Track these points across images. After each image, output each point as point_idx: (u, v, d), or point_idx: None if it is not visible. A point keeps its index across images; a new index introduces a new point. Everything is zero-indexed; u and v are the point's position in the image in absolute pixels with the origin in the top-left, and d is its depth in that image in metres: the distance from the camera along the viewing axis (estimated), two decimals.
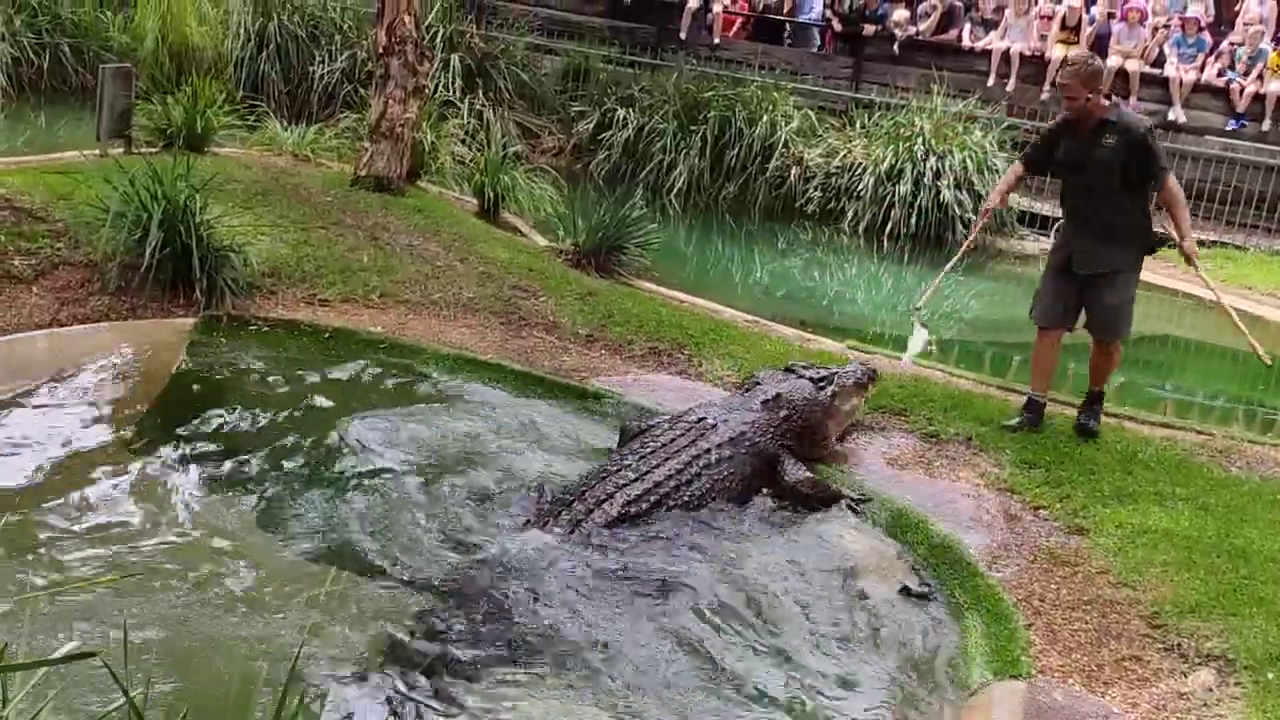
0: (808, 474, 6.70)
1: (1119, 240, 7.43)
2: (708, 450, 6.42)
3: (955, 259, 8.93)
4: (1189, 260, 7.58)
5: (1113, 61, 16.83)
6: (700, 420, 6.66)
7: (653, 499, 6.06)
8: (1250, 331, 7.87)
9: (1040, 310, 7.77)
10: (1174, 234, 7.65)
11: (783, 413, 6.88)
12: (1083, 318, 7.71)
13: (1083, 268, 7.50)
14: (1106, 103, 7.38)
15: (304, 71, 15.55)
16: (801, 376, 7.24)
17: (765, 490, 6.63)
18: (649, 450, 6.38)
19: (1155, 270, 14.33)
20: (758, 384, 7.18)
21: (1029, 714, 4.95)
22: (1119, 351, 7.75)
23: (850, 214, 15.09)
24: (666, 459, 6.30)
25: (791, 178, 15.54)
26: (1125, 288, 7.53)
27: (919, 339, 9.19)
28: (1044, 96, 16.94)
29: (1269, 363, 7.96)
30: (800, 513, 6.51)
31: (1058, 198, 8.24)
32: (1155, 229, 7.59)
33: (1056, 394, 8.23)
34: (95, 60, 13.56)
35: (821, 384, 7.22)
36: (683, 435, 6.52)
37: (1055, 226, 7.95)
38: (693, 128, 15.76)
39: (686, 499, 6.17)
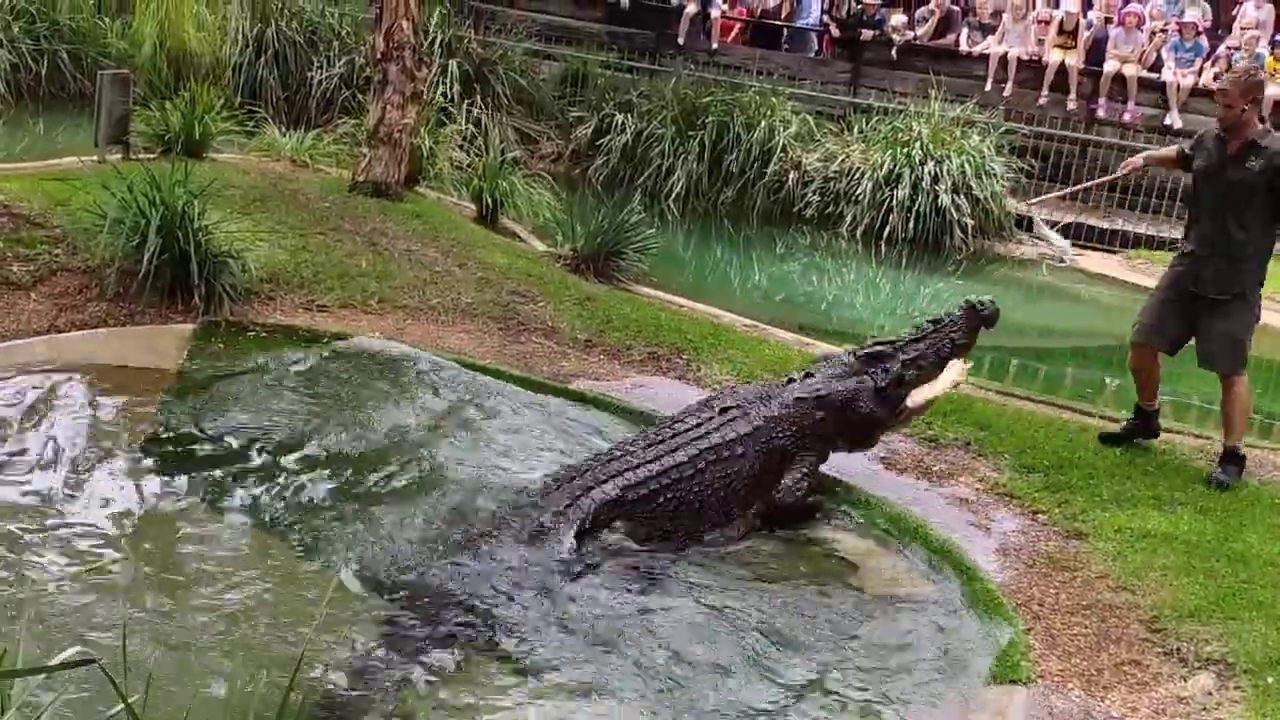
0: (803, 498, 6.41)
1: (1245, 262, 7.25)
2: (722, 441, 6.23)
3: (1083, 187, 8.91)
4: None
5: (1110, 66, 16.86)
6: (725, 408, 6.44)
7: (650, 488, 5.93)
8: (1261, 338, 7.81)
9: (1138, 326, 7.60)
10: None
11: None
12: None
13: (1207, 289, 7.31)
14: (1260, 124, 7.23)
15: (302, 77, 15.54)
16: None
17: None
18: (655, 439, 6.27)
19: (1153, 274, 14.38)
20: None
21: (1028, 719, 4.95)
22: (1244, 388, 7.36)
23: (848, 218, 15.10)
24: (673, 450, 6.14)
25: (790, 182, 15.55)
26: (1246, 314, 7.32)
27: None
28: (1041, 101, 16.96)
29: None
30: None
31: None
32: None
33: (1075, 403, 8.24)
34: (93, 66, 13.54)
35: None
36: (700, 423, 6.34)
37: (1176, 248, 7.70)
38: (691, 133, 15.77)
39: (685, 490, 6.02)
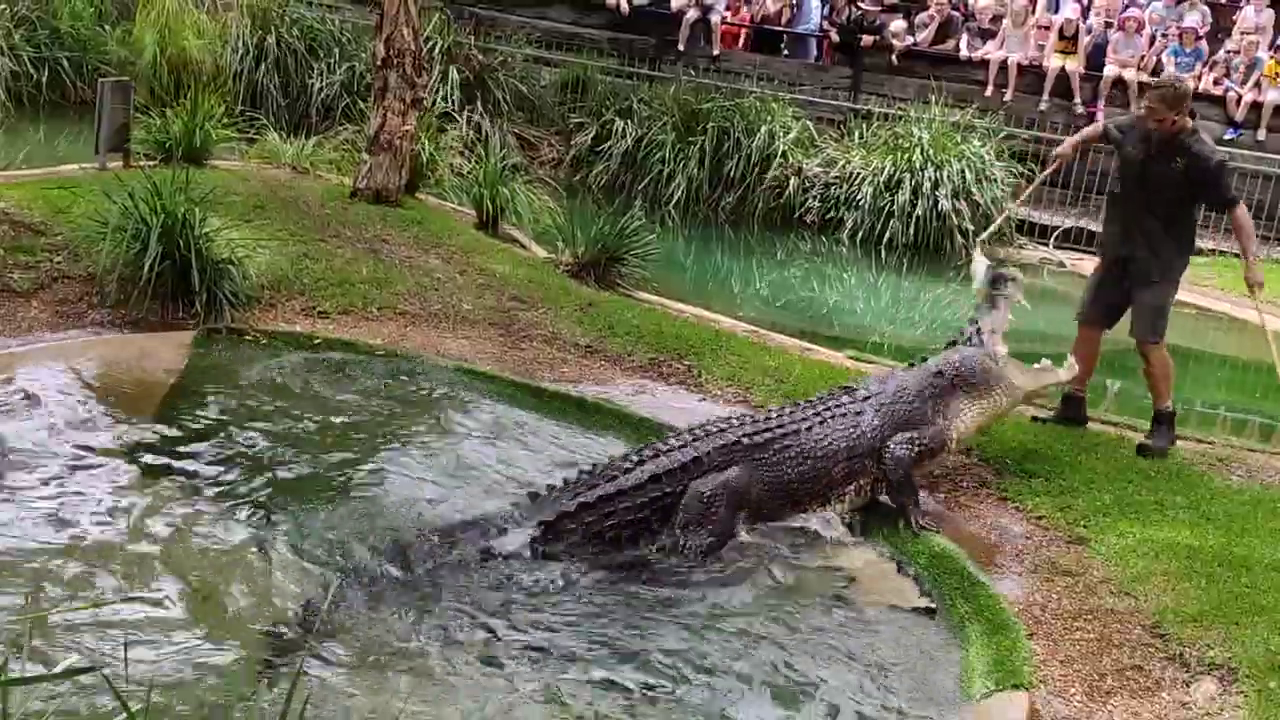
0: (909, 457, 6.63)
1: (1167, 247, 7.61)
2: (839, 404, 6.68)
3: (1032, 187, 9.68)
4: (1250, 288, 7.74)
5: (1110, 71, 16.87)
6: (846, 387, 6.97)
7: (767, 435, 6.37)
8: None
9: (1081, 308, 8.00)
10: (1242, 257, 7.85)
11: (935, 369, 6.97)
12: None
13: (1135, 273, 7.67)
14: (1189, 124, 7.55)
15: (303, 84, 15.58)
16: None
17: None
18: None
19: None
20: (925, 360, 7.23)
21: None
22: (1160, 359, 7.72)
23: (849, 224, 15.11)
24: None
25: (790, 188, 15.55)
26: (1164, 292, 7.67)
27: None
28: (1042, 106, 16.96)
29: None
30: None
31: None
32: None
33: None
34: (94, 74, 13.57)
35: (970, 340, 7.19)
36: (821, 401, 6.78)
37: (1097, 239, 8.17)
38: (691, 139, 15.78)
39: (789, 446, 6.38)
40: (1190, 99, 7.63)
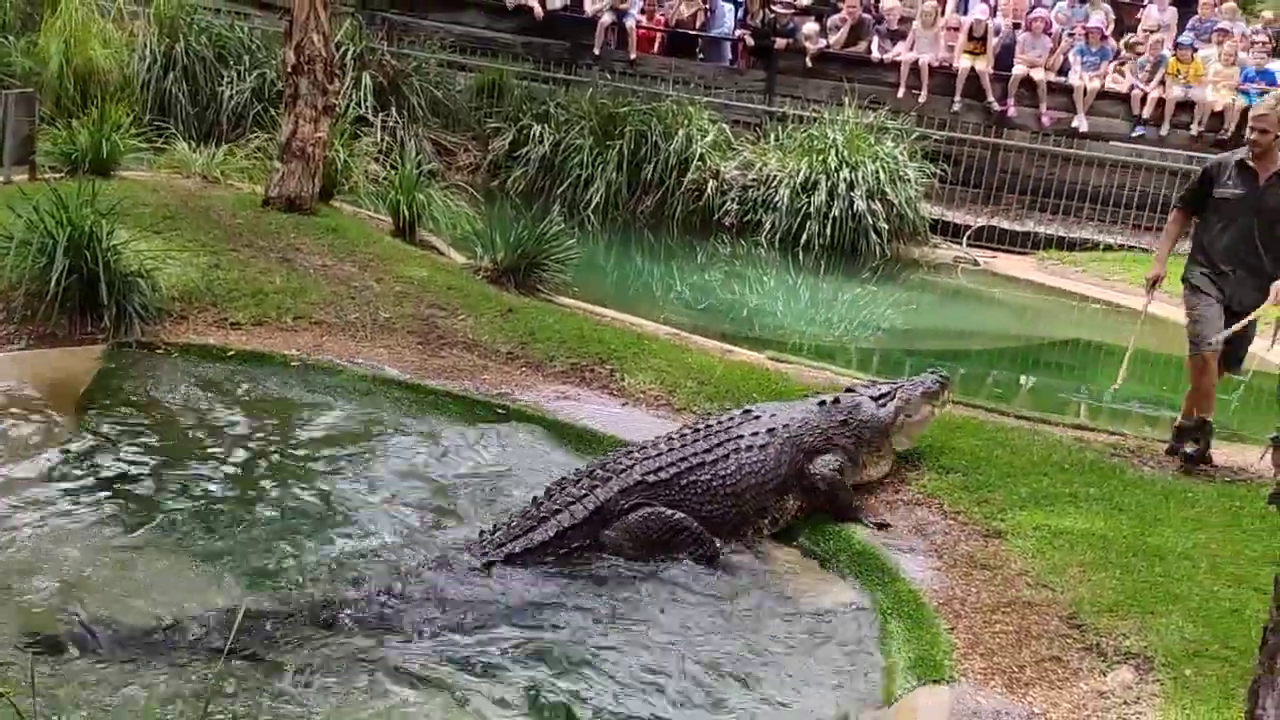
0: (838, 475, 6.73)
1: (1268, 280, 7.38)
2: (740, 437, 6.58)
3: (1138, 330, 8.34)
4: None
5: (1018, 70, 17.14)
6: (746, 411, 6.87)
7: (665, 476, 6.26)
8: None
9: (1209, 335, 7.51)
10: None
11: (841, 418, 6.98)
12: None
13: (1239, 306, 7.47)
14: None
15: (212, 92, 15.33)
16: (861, 395, 7.26)
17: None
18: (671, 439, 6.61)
19: (1064, 275, 14.67)
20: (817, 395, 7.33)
21: (953, 718, 4.99)
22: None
23: (767, 226, 15.21)
24: (692, 443, 6.51)
25: (708, 191, 15.62)
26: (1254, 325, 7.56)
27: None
28: (955, 107, 17.18)
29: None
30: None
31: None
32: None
33: (991, 404, 8.38)
34: None
35: (882, 400, 7.22)
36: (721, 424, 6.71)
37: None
38: (609, 143, 15.78)
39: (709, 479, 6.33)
40: None
